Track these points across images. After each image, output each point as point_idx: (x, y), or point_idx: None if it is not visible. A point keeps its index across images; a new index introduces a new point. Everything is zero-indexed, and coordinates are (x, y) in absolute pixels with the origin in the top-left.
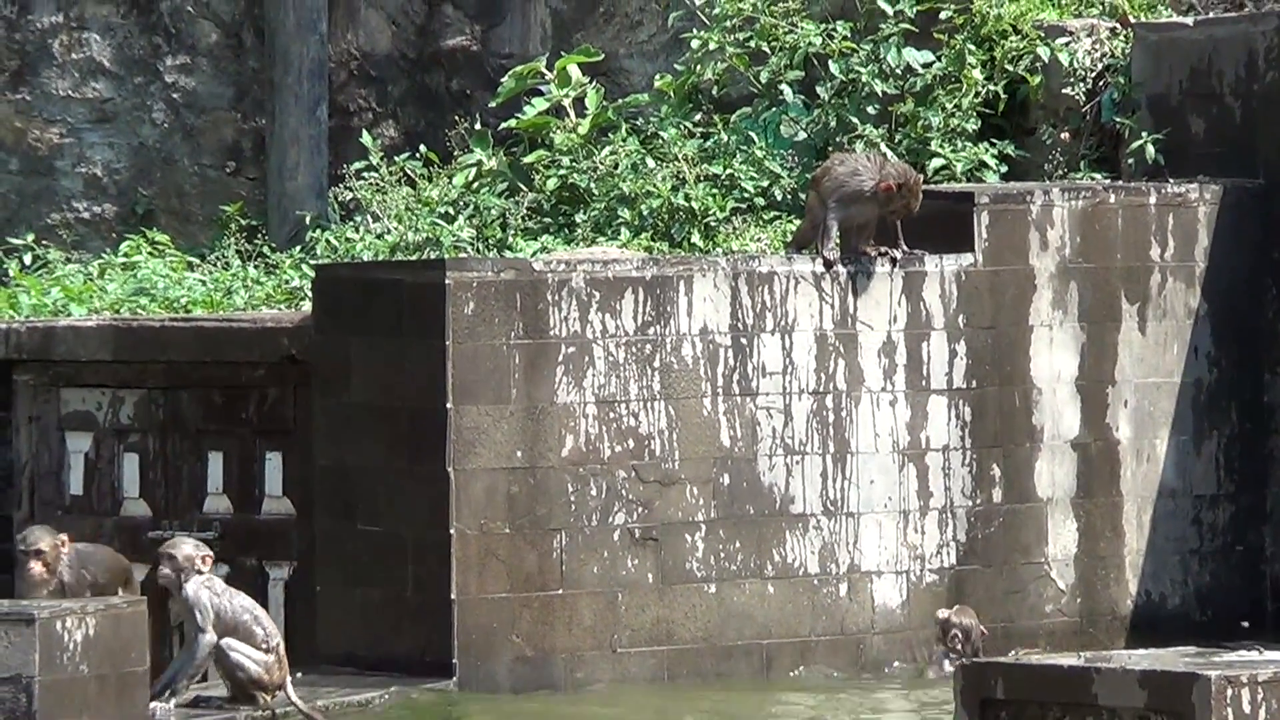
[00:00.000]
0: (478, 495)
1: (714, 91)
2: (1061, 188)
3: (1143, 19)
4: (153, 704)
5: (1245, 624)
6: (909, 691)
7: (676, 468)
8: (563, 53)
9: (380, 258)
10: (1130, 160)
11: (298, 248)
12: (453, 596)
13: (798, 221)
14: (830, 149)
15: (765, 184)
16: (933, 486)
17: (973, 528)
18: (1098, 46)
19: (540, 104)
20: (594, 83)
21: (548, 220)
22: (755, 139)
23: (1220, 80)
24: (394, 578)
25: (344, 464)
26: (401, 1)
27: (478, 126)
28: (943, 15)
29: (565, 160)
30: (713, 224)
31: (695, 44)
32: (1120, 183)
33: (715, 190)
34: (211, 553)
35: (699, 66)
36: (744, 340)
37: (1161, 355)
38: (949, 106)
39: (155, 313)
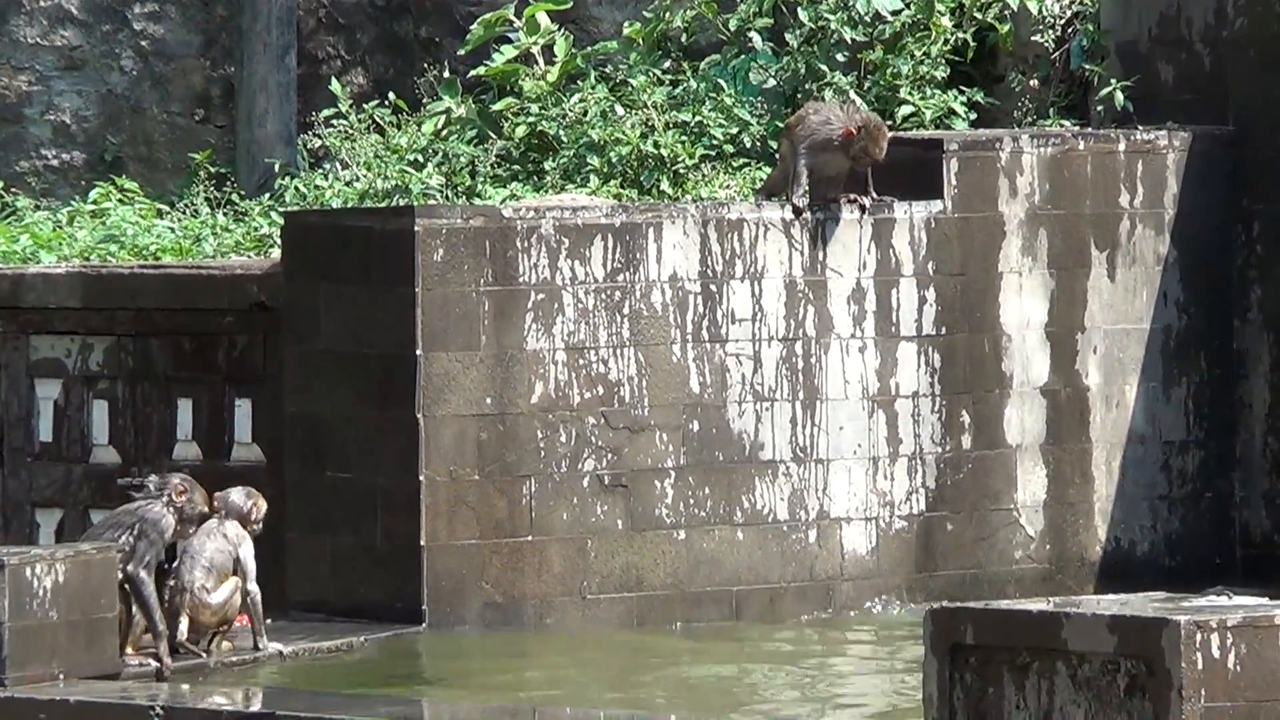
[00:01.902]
0: (447, 442)
1: (683, 39)
2: (1031, 135)
3: None
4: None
5: (1214, 568)
6: (877, 635)
7: (646, 414)
8: (531, 0)
9: (349, 205)
10: (1099, 107)
11: (267, 195)
12: (422, 543)
13: (767, 169)
14: (799, 96)
15: (734, 131)
16: (902, 433)
17: (942, 474)
18: None
19: (509, 51)
20: (562, 30)
21: (517, 168)
22: (724, 86)
23: (1189, 27)
24: (364, 525)
25: (313, 411)
26: None
27: (446, 74)
28: None
29: (534, 108)
30: (682, 171)
31: None
32: (1089, 130)
33: (684, 137)
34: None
35: (668, 14)
36: (713, 287)
37: (1131, 302)
38: (918, 54)
39: (125, 260)
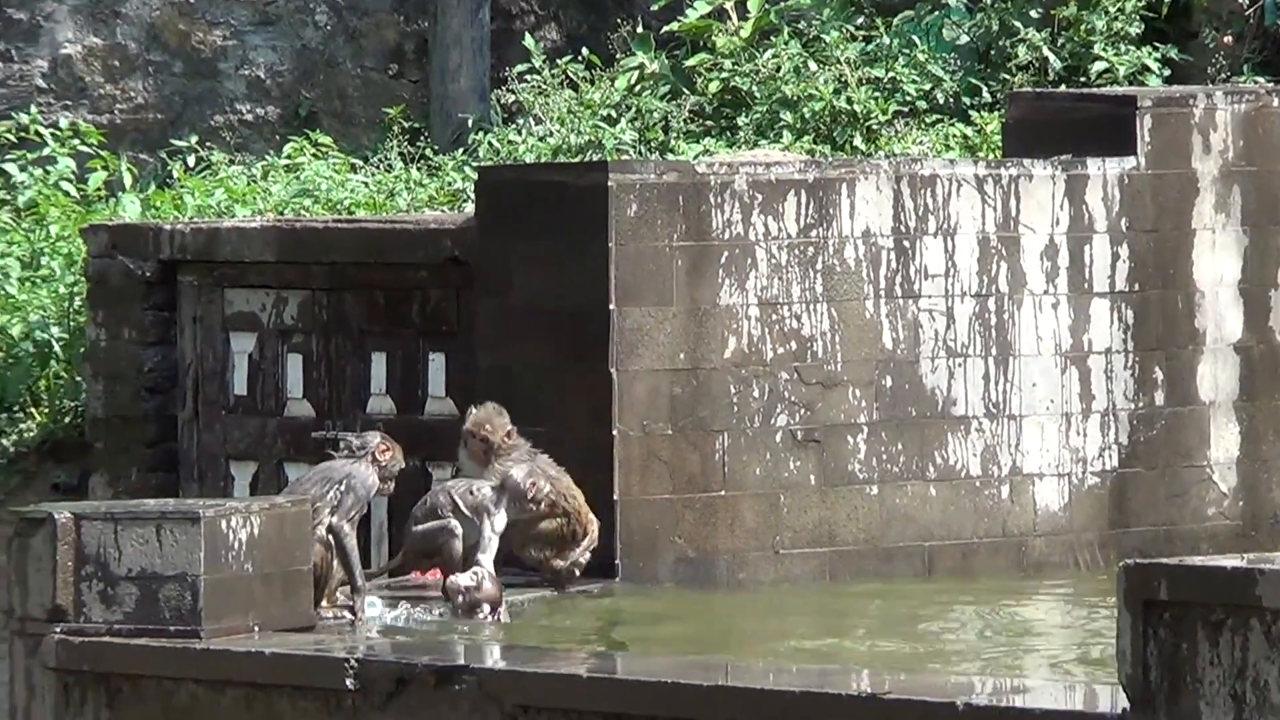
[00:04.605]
0: (640, 397)
1: None
2: (1224, 91)
3: None
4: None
5: None
6: (1071, 592)
7: (839, 370)
8: None
9: (543, 160)
10: None
11: (460, 150)
12: (615, 498)
13: (959, 125)
14: (992, 53)
15: (928, 87)
16: (1095, 389)
17: (1135, 431)
18: None
19: (702, 7)
20: None
21: (710, 123)
22: (917, 42)
23: None
24: None
25: (506, 365)
26: None
27: (640, 29)
28: None
29: (727, 63)
30: (874, 127)
31: None
32: None
33: (877, 93)
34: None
35: None
36: (906, 243)
37: None
38: (1112, 10)
39: (319, 214)
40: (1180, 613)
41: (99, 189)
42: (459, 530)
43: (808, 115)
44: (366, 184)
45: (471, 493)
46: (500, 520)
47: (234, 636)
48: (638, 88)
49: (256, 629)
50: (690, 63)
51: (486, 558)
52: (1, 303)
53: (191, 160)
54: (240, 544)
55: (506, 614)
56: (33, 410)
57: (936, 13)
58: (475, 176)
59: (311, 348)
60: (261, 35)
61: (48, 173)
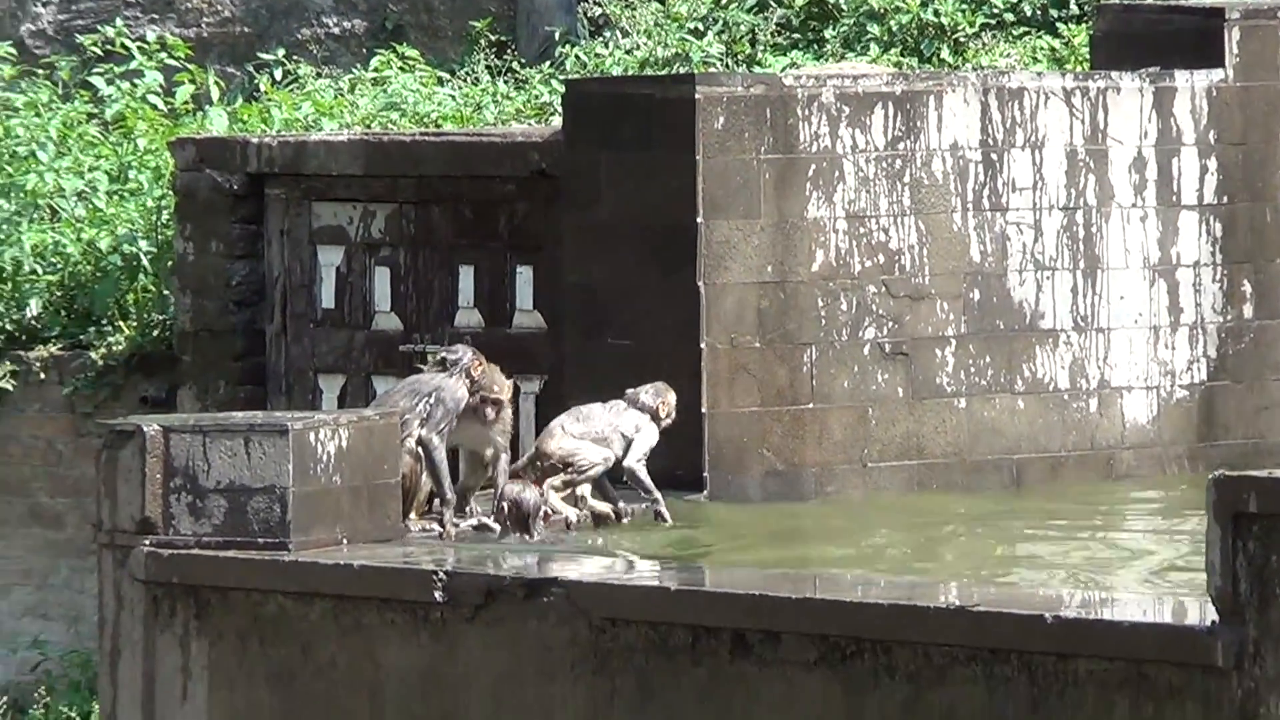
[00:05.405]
0: (728, 310)
1: None
2: None
3: None
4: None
5: None
6: (1160, 504)
7: (927, 283)
8: None
9: (630, 73)
10: None
11: (547, 63)
12: (704, 410)
13: (1047, 38)
14: None
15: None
16: (1183, 302)
17: (1223, 344)
18: None
19: None
20: None
21: (797, 36)
22: None
23: None
24: None
25: (594, 279)
26: None
27: None
28: None
29: None
30: (962, 40)
31: None
32: None
33: (964, 6)
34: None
35: None
36: (994, 156)
37: None
38: None
39: (406, 128)
40: (1269, 525)
41: (186, 103)
42: (612, 459)
43: (895, 28)
44: (453, 97)
45: (618, 414)
46: (654, 434)
47: (322, 549)
48: (725, 0)
49: (345, 541)
50: None
51: (638, 462)
52: (90, 216)
53: (278, 74)
54: (328, 456)
55: (566, 515)
56: (121, 324)
57: None
58: (562, 89)
59: (399, 261)
60: None
61: (135, 86)
